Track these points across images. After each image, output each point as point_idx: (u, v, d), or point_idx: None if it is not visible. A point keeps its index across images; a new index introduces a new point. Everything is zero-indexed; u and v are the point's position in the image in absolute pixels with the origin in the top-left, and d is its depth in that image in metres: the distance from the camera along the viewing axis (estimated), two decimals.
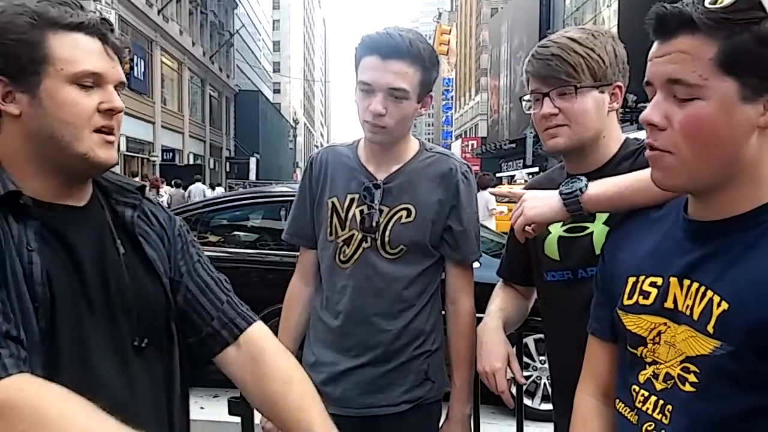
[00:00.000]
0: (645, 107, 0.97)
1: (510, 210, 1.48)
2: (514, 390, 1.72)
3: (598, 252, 1.30)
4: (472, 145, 51.92)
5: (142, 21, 28.13)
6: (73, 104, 1.02)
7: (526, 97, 1.45)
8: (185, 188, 15.85)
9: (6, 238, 0.96)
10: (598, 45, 1.38)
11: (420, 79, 1.61)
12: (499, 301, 1.65)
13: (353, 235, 1.70)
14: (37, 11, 1.02)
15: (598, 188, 1.27)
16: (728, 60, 0.88)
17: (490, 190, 8.41)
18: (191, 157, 35.50)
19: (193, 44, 36.40)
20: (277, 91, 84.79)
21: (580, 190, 1.28)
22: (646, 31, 0.95)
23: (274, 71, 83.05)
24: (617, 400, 1.08)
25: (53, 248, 1.02)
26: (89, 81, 1.04)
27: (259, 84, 64.32)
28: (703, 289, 0.94)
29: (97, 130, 1.04)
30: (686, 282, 0.97)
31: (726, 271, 0.92)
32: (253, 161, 37.76)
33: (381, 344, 1.69)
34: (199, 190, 15.48)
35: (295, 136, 67.74)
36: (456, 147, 53.59)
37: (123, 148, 24.28)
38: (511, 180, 22.82)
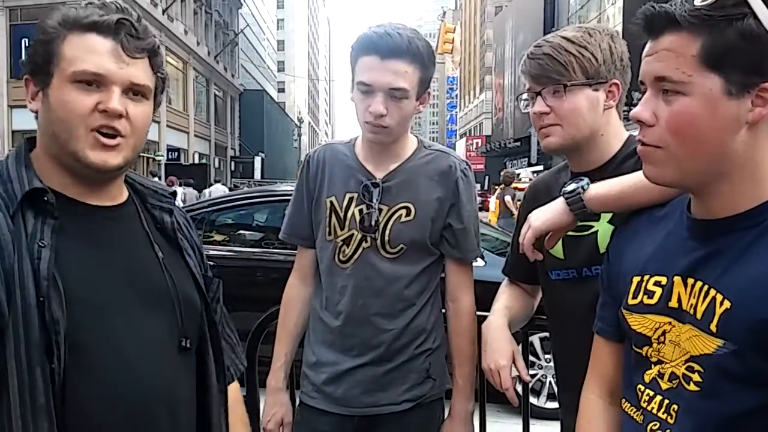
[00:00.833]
0: None
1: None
2: (519, 388, 1.72)
3: (602, 251, 1.30)
4: (477, 143, 52.00)
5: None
6: (69, 102, 1.04)
7: (524, 96, 1.46)
8: (200, 190, 16.01)
9: (16, 237, 0.97)
10: (592, 43, 1.39)
11: (419, 77, 1.60)
12: (505, 299, 1.65)
13: (353, 234, 1.68)
14: (65, 12, 1.06)
15: (602, 188, 1.27)
16: (712, 56, 0.89)
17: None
18: (196, 156, 35.60)
19: (198, 44, 36.45)
20: (281, 90, 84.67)
21: (582, 188, 1.29)
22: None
23: (279, 70, 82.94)
24: (623, 400, 1.08)
25: (76, 245, 1.04)
26: (89, 80, 1.04)
27: (264, 83, 64.30)
28: (706, 287, 0.94)
29: (96, 130, 1.04)
30: (690, 281, 0.97)
31: (728, 270, 0.92)
32: (258, 160, 37.86)
33: (382, 344, 1.68)
34: (220, 191, 15.70)
35: (299, 135, 67.81)
36: (460, 145, 53.70)
37: None
38: (516, 177, 22.80)
